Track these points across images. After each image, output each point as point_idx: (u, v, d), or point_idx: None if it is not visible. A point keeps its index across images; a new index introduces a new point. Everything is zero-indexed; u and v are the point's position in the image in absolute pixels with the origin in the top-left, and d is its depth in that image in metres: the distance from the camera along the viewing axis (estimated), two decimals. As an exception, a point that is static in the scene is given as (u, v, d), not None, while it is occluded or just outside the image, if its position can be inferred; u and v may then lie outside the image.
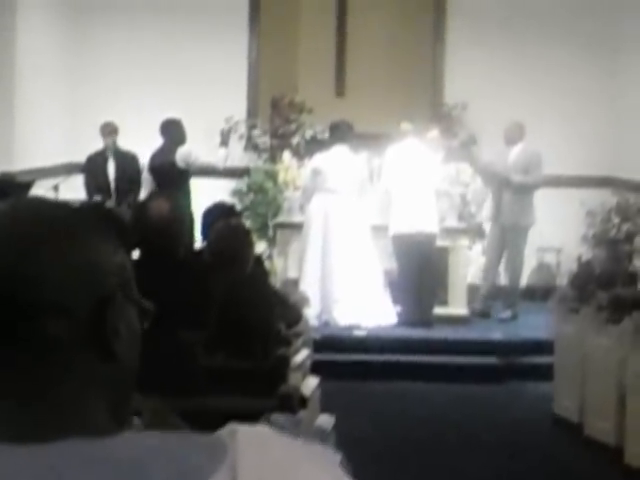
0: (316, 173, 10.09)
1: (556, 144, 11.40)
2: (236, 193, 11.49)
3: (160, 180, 10.15)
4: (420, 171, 10.19)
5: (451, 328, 9.81)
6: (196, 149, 10.34)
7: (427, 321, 9.85)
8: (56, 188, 9.92)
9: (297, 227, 10.30)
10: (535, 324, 9.68)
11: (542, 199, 10.66)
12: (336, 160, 10.05)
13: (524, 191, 10.41)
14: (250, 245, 5.26)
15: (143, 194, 9.97)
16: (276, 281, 9.27)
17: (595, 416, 7.05)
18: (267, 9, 12.28)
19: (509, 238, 10.47)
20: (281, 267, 10.40)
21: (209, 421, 1.62)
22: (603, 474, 6.65)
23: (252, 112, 12.18)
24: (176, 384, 3.79)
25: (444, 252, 10.24)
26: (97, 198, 10.33)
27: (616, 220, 11.33)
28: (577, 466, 6.80)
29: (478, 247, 11.03)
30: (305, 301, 8.16)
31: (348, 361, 9.05)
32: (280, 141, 11.87)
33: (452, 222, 10.55)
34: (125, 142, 10.78)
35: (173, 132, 10.35)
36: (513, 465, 6.76)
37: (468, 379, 8.90)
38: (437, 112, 12.05)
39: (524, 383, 8.89)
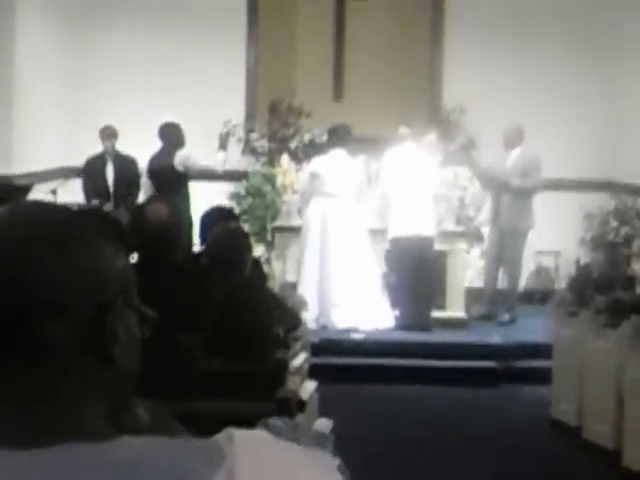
0: (314, 177, 10.10)
1: (555, 148, 11.41)
2: (234, 196, 11.49)
3: (159, 184, 10.15)
4: (418, 175, 10.20)
5: (449, 332, 9.82)
6: (195, 153, 10.34)
7: (425, 324, 9.85)
8: (54, 192, 9.91)
9: (295, 231, 10.30)
10: (533, 328, 9.68)
11: (541, 203, 10.67)
12: (334, 164, 10.05)
13: (523, 195, 10.42)
14: (248, 249, 5.26)
15: (142, 198, 9.97)
16: (274, 284, 9.27)
17: (593, 420, 7.05)
18: (265, 13, 12.29)
19: (508, 242, 10.47)
20: (279, 270, 10.41)
21: (207, 425, 1.62)
22: (601, 477, 6.65)
23: (250, 116, 12.19)
24: (174, 388, 3.79)
25: (442, 255, 10.25)
26: (95, 202, 10.33)
27: (614, 224, 11.35)
28: (575, 470, 6.80)
29: (476, 251, 11.03)
30: (303, 304, 8.17)
31: (346, 364, 9.05)
32: (278, 145, 11.88)
33: (450, 226, 10.56)
34: (124, 146, 10.78)
35: (172, 136, 10.35)
36: (511, 468, 6.76)
37: (466, 382, 8.89)
38: (435, 116, 12.05)
39: (522, 386, 8.89)
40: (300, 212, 10.46)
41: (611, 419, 6.73)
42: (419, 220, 10.03)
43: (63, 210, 1.20)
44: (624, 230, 11.19)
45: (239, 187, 11.56)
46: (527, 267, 11.37)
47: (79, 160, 10.90)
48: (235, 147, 11.68)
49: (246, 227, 9.86)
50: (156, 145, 10.37)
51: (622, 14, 11.86)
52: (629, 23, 11.75)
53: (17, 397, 1.12)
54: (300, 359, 5.83)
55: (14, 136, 10.39)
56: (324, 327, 9.76)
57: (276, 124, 12.02)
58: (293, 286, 9.81)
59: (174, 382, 3.92)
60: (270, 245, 10.95)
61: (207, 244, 5.32)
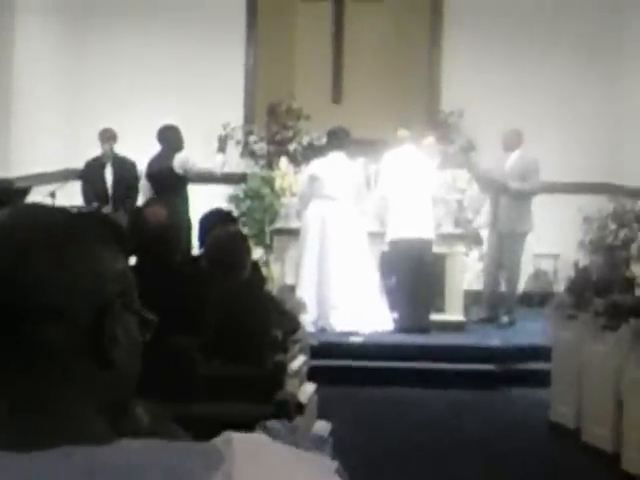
0: (313, 179, 10.10)
1: (553, 151, 11.41)
2: (233, 199, 11.50)
3: (158, 186, 10.14)
4: (416, 177, 10.20)
5: (448, 334, 9.81)
6: (193, 155, 10.34)
7: (424, 327, 9.85)
8: (53, 194, 9.90)
9: (294, 233, 10.29)
10: (532, 330, 9.67)
11: (539, 205, 10.67)
12: (333, 166, 10.05)
13: (521, 197, 10.43)
14: (247, 251, 5.26)
15: (141, 200, 9.97)
16: (273, 287, 9.26)
17: (592, 422, 7.05)
18: (264, 16, 12.30)
19: (506, 244, 10.48)
20: (278, 273, 10.40)
21: (205, 427, 1.62)
22: (600, 480, 6.65)
23: (249, 118, 12.19)
24: (173, 390, 3.79)
25: (441, 258, 10.25)
26: (94, 204, 10.32)
27: (613, 226, 11.34)
28: (574, 472, 6.79)
29: (475, 253, 11.04)
30: (302, 307, 8.17)
31: (345, 367, 9.04)
32: (277, 147, 11.89)
33: (448, 228, 10.56)
34: (123, 148, 10.78)
35: (171, 138, 10.35)
36: (510, 471, 6.76)
37: (465, 385, 8.89)
38: (434, 118, 12.06)
39: (521, 389, 8.88)
40: (299, 215, 10.45)
41: (610, 422, 6.72)
42: (418, 223, 10.02)
43: (62, 213, 1.20)
44: (623, 233, 11.19)
45: (238, 190, 11.56)
46: (526, 270, 11.37)
47: (78, 163, 10.90)
48: (234, 150, 11.68)
49: (245, 230, 9.87)
50: (155, 148, 10.37)
51: (622, 15, 11.86)
52: (629, 24, 11.75)
53: (17, 400, 1.12)
54: (299, 362, 5.83)
55: (13, 138, 10.39)
56: (323, 330, 9.75)
57: (275, 127, 12.03)
58: (292, 289, 9.80)
59: (173, 384, 3.92)
60: (269, 248, 10.95)
61: (206, 247, 5.32)
